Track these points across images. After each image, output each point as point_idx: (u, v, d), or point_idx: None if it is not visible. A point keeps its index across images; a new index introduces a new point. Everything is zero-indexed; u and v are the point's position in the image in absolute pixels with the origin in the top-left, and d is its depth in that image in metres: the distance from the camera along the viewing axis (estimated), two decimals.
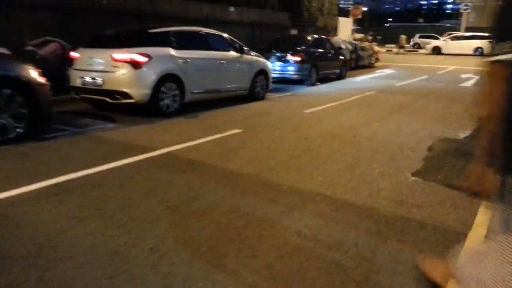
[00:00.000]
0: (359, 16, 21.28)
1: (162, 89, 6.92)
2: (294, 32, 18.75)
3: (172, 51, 7.16)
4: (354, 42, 18.84)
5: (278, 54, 11.77)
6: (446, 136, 6.20)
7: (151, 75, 6.73)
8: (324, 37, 14.24)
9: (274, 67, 11.64)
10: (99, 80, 6.77)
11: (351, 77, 14.92)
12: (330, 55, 13.38)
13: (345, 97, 9.92)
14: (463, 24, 34.43)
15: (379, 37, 39.24)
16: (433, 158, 5.08)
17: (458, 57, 27.32)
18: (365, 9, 43.73)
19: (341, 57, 14.28)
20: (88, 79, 6.91)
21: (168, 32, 7.40)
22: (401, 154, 5.21)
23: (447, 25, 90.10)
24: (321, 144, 5.58)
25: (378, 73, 17.13)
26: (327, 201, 3.64)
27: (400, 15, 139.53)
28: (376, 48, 20.67)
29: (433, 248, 2.88)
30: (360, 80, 14.35)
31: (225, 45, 8.51)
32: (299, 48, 11.93)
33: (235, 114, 7.62)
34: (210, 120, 6.92)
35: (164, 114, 6.99)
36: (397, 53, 31.70)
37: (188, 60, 7.36)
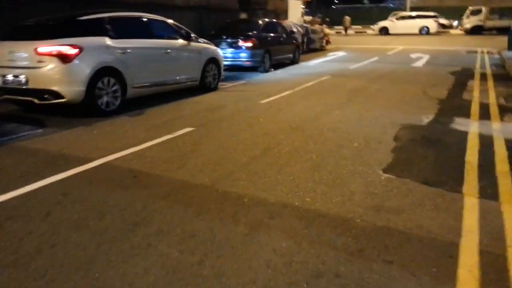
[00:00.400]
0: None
1: (99, 85, 6.09)
2: (244, 16, 18.03)
3: (108, 41, 6.31)
4: (305, 25, 18.44)
5: (229, 40, 11.09)
6: (409, 123, 5.89)
7: (84, 69, 5.88)
8: (276, 20, 13.69)
9: (225, 54, 10.96)
10: (22, 78, 5.83)
11: (305, 61, 14.54)
12: (282, 39, 12.86)
13: (301, 84, 9.47)
14: (408, 4, 35.07)
15: (327, 20, 39.26)
16: (401, 149, 4.72)
17: (405, 37, 27.80)
18: None
19: (294, 41, 13.82)
20: (9, 77, 5.95)
21: (102, 19, 6.51)
22: (368, 146, 4.80)
23: (390, 5, 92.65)
24: (282, 140, 5.06)
25: (331, 56, 16.89)
26: (296, 214, 3.13)
27: None
28: (327, 30, 20.44)
29: (425, 269, 2.45)
30: (314, 64, 13.99)
31: (171, 32, 7.73)
32: (250, 33, 11.30)
33: (185, 109, 6.93)
34: (157, 118, 6.19)
35: (103, 114, 6.18)
36: (346, 35, 31.83)
37: (128, 50, 6.55)
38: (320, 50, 19.28)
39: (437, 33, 30.47)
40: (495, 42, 21.29)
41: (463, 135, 5.31)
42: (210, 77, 8.62)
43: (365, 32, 34.84)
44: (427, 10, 33.51)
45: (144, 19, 7.34)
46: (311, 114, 6.43)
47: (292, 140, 5.06)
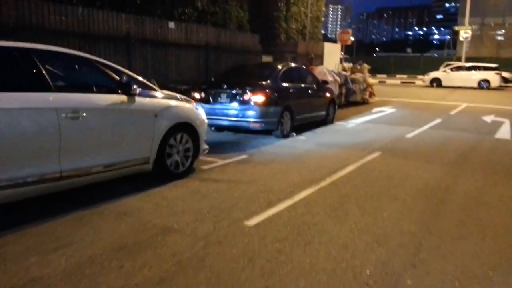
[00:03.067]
0: (349, 42, 17.57)
1: None
2: (268, 59, 14.83)
3: None
4: (343, 73, 14.95)
5: (232, 91, 7.65)
6: None
7: None
8: (303, 66, 10.21)
9: (225, 111, 7.53)
10: None
11: (342, 121, 10.87)
12: (311, 91, 9.32)
13: (333, 169, 5.76)
14: (464, 54, 31.15)
15: (369, 67, 35.78)
16: None
17: (462, 91, 23.73)
18: (352, 38, 40.63)
19: (328, 94, 10.24)
20: None
21: None
22: None
23: (435, 55, 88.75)
24: None
25: (376, 113, 13.13)
26: None
27: (387, 45, 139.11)
28: (371, 80, 16.81)
29: None
30: (354, 126, 10.28)
31: (92, 79, 4.32)
32: (264, 83, 7.82)
33: (83, 241, 3.35)
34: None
35: None
36: (390, 86, 28.08)
37: None
38: (362, 103, 15.62)
39: (499, 88, 26.17)
40: None
41: None
42: (177, 154, 5.09)
43: (413, 83, 30.96)
44: (483, 61, 29.47)
45: (31, 53, 3.91)
46: (357, 274, 2.66)
47: None
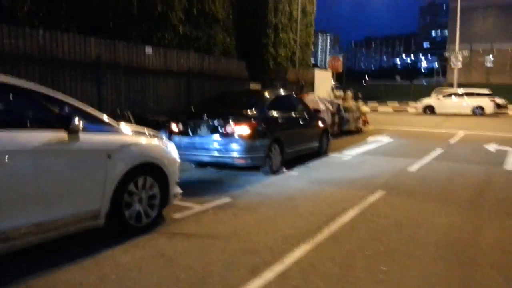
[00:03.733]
0: (340, 69, 16.98)
1: None
2: (256, 86, 14.06)
3: None
4: (336, 101, 14.21)
5: (213, 122, 6.75)
6: None
7: None
8: (294, 94, 9.38)
9: (205, 144, 6.62)
10: None
11: (337, 152, 10.00)
12: (303, 121, 8.46)
13: (331, 214, 4.81)
14: (455, 80, 30.90)
15: (360, 95, 35.50)
16: None
17: (457, 118, 23.18)
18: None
19: (320, 124, 9.39)
20: None
21: None
22: None
23: (423, 82, 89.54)
24: None
25: (372, 143, 12.30)
26: None
27: (376, 73, 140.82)
28: (365, 108, 16.11)
29: None
30: (350, 158, 9.39)
31: (21, 112, 3.39)
32: (249, 112, 6.94)
33: None
34: None
35: None
36: (379, 113, 27.54)
37: None
38: (356, 132, 14.83)
39: (494, 115, 25.71)
40: None
41: None
42: (140, 204, 4.11)
43: (405, 110, 30.49)
44: (474, 87, 29.20)
45: None
46: None
47: None
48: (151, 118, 8.15)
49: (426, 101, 27.26)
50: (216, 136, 6.67)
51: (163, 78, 9.05)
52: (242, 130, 6.57)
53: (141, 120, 8.13)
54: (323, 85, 17.84)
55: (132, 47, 8.25)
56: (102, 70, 7.51)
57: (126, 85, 8.17)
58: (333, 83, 19.80)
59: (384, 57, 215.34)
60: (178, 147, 6.83)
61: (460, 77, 34.97)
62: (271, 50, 15.57)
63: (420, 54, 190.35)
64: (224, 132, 6.61)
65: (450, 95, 26.76)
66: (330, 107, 12.97)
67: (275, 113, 7.48)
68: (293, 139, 7.96)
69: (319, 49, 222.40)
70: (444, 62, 49.17)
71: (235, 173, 7.19)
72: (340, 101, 14.41)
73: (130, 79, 8.23)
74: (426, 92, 33.73)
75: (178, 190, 4.65)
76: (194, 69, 10.02)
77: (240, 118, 6.71)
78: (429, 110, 26.45)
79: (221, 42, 11.87)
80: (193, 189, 5.98)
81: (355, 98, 24.79)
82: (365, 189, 6.16)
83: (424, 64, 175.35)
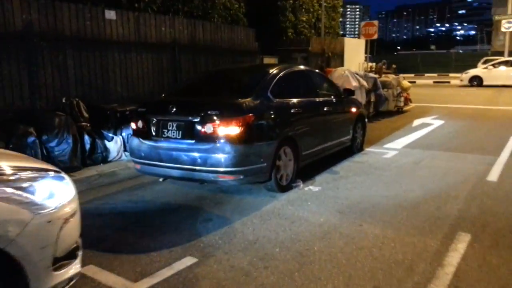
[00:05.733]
0: (375, 36, 13.96)
1: None
2: (271, 61, 11.46)
3: None
4: (371, 75, 11.42)
5: (185, 118, 4.32)
6: None
7: None
8: (316, 70, 6.69)
9: (173, 152, 4.24)
10: None
11: (374, 145, 7.47)
12: (329, 107, 5.89)
13: None
14: (507, 46, 27.01)
15: (394, 66, 32.08)
16: None
17: (510, 91, 19.79)
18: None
19: (353, 109, 6.79)
20: None
21: None
22: None
23: (459, 51, 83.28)
24: None
25: (420, 127, 9.60)
26: None
27: (409, 43, 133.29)
28: (405, 83, 13.22)
29: None
30: (395, 155, 6.80)
31: None
32: (243, 101, 4.42)
33: None
34: None
35: None
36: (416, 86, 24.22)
37: None
38: (396, 113, 12.07)
39: None
40: None
41: None
42: None
43: (447, 82, 27.00)
44: None
45: None
46: None
47: None
48: (116, 109, 5.81)
49: (473, 72, 23.79)
50: (190, 140, 4.25)
51: (136, 52, 6.64)
52: (230, 129, 4.12)
53: (98, 111, 5.81)
54: (355, 56, 14.96)
55: (83, 11, 5.84)
56: (36, 44, 5.19)
57: (77, 64, 5.83)
58: (366, 55, 16.85)
59: (417, 26, 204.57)
60: (138, 154, 4.49)
61: (510, 44, 30.87)
62: (290, 15, 12.78)
63: (455, 22, 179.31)
64: (202, 133, 4.18)
65: (499, 64, 23.19)
66: (365, 83, 10.26)
67: (285, 100, 4.97)
68: (314, 135, 5.45)
69: (347, 21, 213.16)
70: (490, 28, 44.22)
71: (223, 192, 4.78)
72: (377, 75, 11.60)
73: (83, 56, 5.88)
74: (470, 61, 29.98)
75: (69, 274, 2.27)
76: (182, 40, 7.52)
77: (227, 110, 4.25)
78: (476, 81, 23.03)
79: (224, 6, 9.28)
80: (142, 232, 3.65)
81: (388, 69, 21.69)
82: (435, 230, 3.64)
83: (459, 32, 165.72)
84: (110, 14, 6.14)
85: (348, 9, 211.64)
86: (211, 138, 4.15)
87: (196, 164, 4.17)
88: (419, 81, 28.39)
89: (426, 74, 34.43)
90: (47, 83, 5.47)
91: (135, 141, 4.64)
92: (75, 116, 5.49)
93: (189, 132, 4.27)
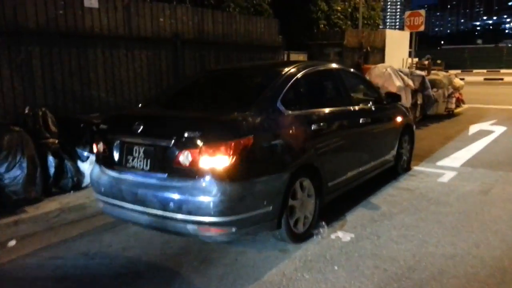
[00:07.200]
0: (422, 28, 12.17)
1: None
2: (300, 57, 10.01)
3: None
4: (419, 72, 9.71)
5: (154, 142, 3.00)
6: None
7: None
8: (351, 69, 5.17)
9: (139, 189, 2.92)
10: None
11: (425, 162, 5.94)
12: (366, 117, 4.39)
13: None
14: None
15: (439, 62, 29.54)
16: None
17: None
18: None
19: (399, 118, 5.26)
20: None
21: None
22: None
23: (509, 45, 77.73)
24: None
25: (478, 136, 7.90)
26: None
27: (452, 38, 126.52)
28: (458, 81, 11.39)
29: None
30: (454, 177, 5.23)
31: None
32: (236, 117, 3.04)
33: None
34: None
35: None
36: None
37: None
38: (446, 117, 10.33)
39: None
40: None
41: None
42: None
43: (500, 79, 24.44)
44: None
45: None
46: None
47: None
48: (91, 121, 4.60)
49: None
50: (162, 173, 2.93)
51: (126, 49, 5.41)
52: (218, 159, 2.77)
53: (71, 124, 4.63)
54: (398, 51, 13.21)
55: None
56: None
57: (46, 65, 4.66)
58: (410, 50, 14.99)
59: (462, 19, 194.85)
60: (98, 189, 3.25)
61: None
62: (322, 4, 11.23)
63: (504, 14, 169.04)
64: (177, 164, 2.86)
65: None
66: (410, 82, 8.63)
67: (303, 112, 3.56)
68: (345, 158, 4.02)
69: (387, 15, 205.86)
70: None
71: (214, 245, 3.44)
72: (425, 73, 9.87)
73: (54, 54, 4.71)
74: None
75: None
76: (186, 33, 6.22)
77: (214, 130, 2.90)
78: None
79: None
80: None
81: (433, 65, 19.55)
82: None
83: (510, 24, 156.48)
84: (91, 1, 4.94)
85: (389, 3, 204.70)
86: (189, 172, 2.82)
87: (169, 210, 2.85)
88: (467, 78, 25.93)
89: (475, 70, 31.73)
90: (3, 89, 4.33)
91: (96, 170, 3.39)
92: (38, 131, 4.32)
93: (159, 161, 2.96)
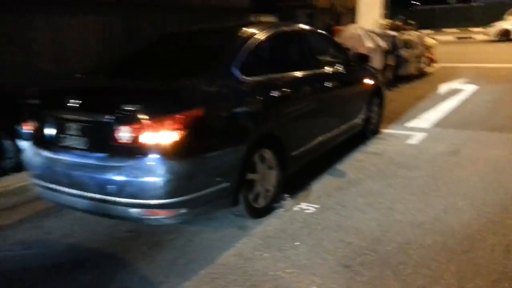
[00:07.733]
0: None
1: None
2: (269, 19, 9.57)
3: None
4: (390, 32, 9.43)
5: (92, 118, 2.66)
6: None
7: None
8: (318, 30, 4.82)
9: (75, 172, 2.58)
10: None
11: (394, 124, 5.78)
12: (332, 82, 4.11)
13: None
14: None
15: (412, 23, 29.25)
16: None
17: None
18: None
19: (368, 80, 5.03)
20: None
21: None
22: None
23: (481, 3, 78.02)
24: None
25: (449, 96, 7.80)
26: None
27: None
28: (431, 40, 11.21)
29: None
30: (424, 139, 5.09)
31: None
32: (184, 86, 2.73)
33: None
34: None
35: None
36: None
37: None
38: (417, 77, 10.17)
39: None
40: None
41: None
42: None
43: (471, 38, 24.48)
44: None
45: None
46: None
47: None
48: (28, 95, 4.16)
49: (500, 24, 21.39)
50: (101, 153, 2.62)
51: (70, 15, 4.90)
52: (163, 135, 2.46)
53: (8, 99, 4.19)
54: (369, 11, 12.87)
55: None
56: None
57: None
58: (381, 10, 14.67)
59: None
60: (32, 171, 2.92)
61: None
62: None
63: None
64: (118, 142, 2.54)
65: None
66: (382, 43, 8.37)
67: (263, 77, 3.25)
68: (310, 125, 3.77)
69: None
70: None
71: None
72: (396, 33, 9.61)
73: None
74: (494, 14, 27.13)
75: None
76: None
77: (158, 102, 2.58)
78: (505, 36, 20.62)
79: None
80: None
81: (406, 25, 19.28)
82: None
83: None
84: None
85: None
86: (132, 151, 2.52)
87: (109, 193, 2.56)
88: (439, 37, 25.86)
89: (446, 30, 31.70)
90: None
91: (29, 151, 3.04)
92: None
93: (98, 140, 2.64)
